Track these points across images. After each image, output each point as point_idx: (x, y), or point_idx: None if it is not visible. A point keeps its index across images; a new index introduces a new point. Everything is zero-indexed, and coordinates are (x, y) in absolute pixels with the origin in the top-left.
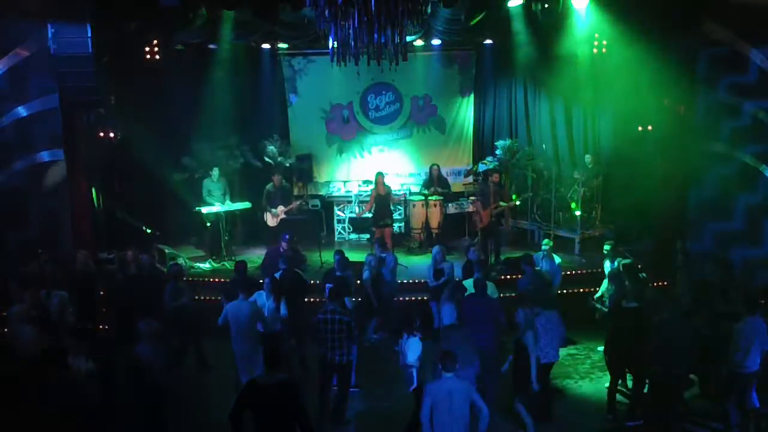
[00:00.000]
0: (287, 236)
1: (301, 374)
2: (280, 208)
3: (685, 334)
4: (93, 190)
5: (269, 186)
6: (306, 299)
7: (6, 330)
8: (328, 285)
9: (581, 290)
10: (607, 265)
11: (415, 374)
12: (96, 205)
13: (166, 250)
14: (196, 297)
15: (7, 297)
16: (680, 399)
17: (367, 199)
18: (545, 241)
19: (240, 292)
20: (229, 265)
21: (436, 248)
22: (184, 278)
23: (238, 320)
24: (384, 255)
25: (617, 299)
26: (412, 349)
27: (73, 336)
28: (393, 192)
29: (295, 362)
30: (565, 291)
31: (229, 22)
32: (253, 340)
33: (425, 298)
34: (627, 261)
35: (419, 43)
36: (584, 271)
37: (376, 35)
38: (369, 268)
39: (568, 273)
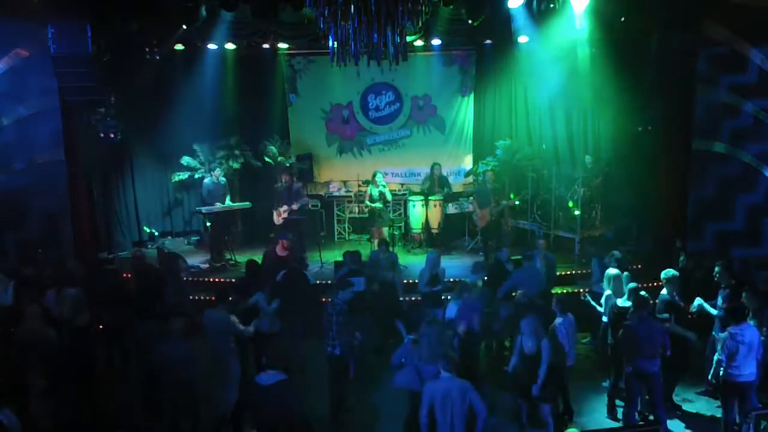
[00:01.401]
0: (286, 236)
1: (298, 374)
2: (284, 208)
3: (654, 334)
4: (93, 190)
5: (278, 184)
6: (311, 299)
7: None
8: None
9: (581, 290)
10: (594, 264)
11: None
12: (96, 205)
13: (167, 250)
14: (196, 297)
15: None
16: (658, 397)
17: (366, 198)
18: (538, 242)
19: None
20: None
21: (433, 254)
22: (185, 277)
23: (212, 329)
24: (382, 255)
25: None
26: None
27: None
28: (387, 193)
29: (294, 362)
30: (564, 291)
31: (228, 23)
32: (218, 349)
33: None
34: (618, 256)
35: (419, 43)
36: (584, 272)
37: (375, 35)
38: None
39: (568, 273)
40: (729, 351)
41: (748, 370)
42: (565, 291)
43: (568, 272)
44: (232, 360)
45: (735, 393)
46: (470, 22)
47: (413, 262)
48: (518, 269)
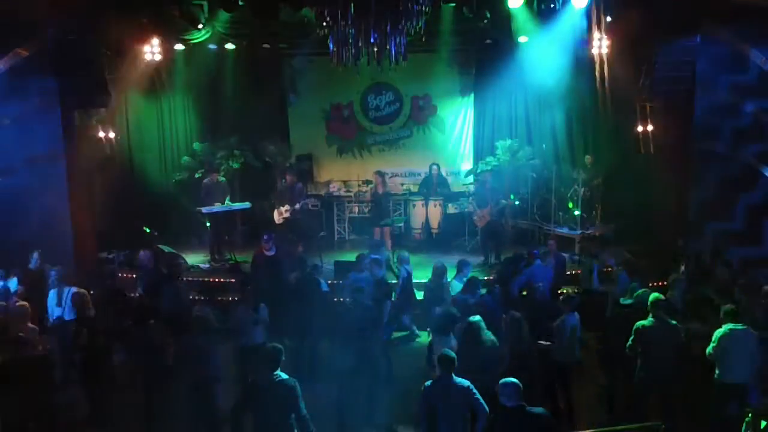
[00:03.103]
0: (270, 236)
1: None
2: (286, 207)
3: (667, 337)
4: (93, 190)
5: (280, 183)
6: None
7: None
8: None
9: (580, 290)
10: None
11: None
12: (96, 205)
13: (166, 250)
14: (195, 297)
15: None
16: (668, 400)
17: (367, 198)
18: (549, 242)
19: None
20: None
21: (439, 264)
22: (182, 278)
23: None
24: (378, 256)
25: (615, 298)
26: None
27: None
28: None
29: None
30: (564, 291)
31: (228, 22)
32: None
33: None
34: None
35: (419, 42)
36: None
37: (375, 36)
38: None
39: (568, 273)
40: (721, 352)
41: (740, 373)
42: (566, 290)
43: (569, 272)
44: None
45: (723, 393)
46: (484, 22)
47: (413, 262)
48: (528, 266)
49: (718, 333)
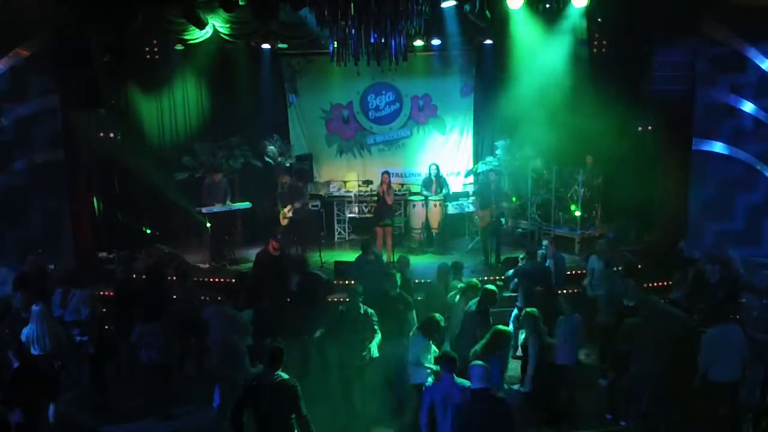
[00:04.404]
0: (275, 236)
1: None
2: (288, 208)
3: (658, 334)
4: (93, 189)
5: (279, 186)
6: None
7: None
8: None
9: (581, 290)
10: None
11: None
12: (96, 205)
13: (166, 250)
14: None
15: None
16: (662, 397)
17: (368, 198)
18: (544, 242)
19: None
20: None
21: (444, 266)
22: (189, 278)
23: (219, 324)
24: (371, 258)
25: (609, 298)
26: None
27: None
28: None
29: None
30: (564, 291)
31: (228, 22)
32: (228, 343)
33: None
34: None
35: (419, 42)
36: (584, 272)
37: (375, 35)
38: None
39: (568, 273)
40: (708, 352)
41: (729, 372)
42: (564, 291)
43: (569, 272)
44: (243, 351)
45: (714, 392)
46: (484, 22)
47: (412, 262)
48: (527, 265)
49: (703, 338)
